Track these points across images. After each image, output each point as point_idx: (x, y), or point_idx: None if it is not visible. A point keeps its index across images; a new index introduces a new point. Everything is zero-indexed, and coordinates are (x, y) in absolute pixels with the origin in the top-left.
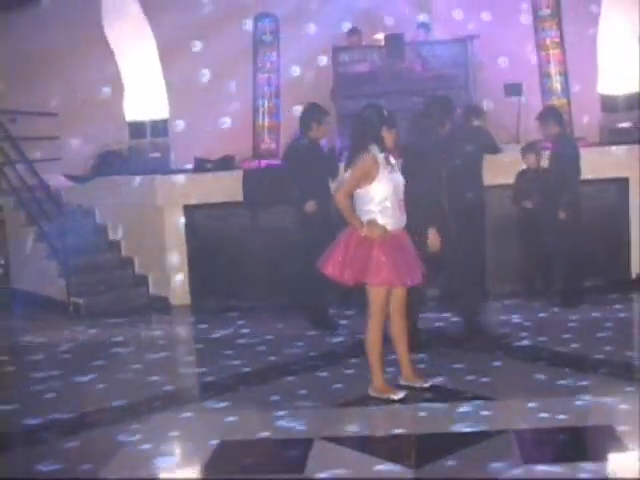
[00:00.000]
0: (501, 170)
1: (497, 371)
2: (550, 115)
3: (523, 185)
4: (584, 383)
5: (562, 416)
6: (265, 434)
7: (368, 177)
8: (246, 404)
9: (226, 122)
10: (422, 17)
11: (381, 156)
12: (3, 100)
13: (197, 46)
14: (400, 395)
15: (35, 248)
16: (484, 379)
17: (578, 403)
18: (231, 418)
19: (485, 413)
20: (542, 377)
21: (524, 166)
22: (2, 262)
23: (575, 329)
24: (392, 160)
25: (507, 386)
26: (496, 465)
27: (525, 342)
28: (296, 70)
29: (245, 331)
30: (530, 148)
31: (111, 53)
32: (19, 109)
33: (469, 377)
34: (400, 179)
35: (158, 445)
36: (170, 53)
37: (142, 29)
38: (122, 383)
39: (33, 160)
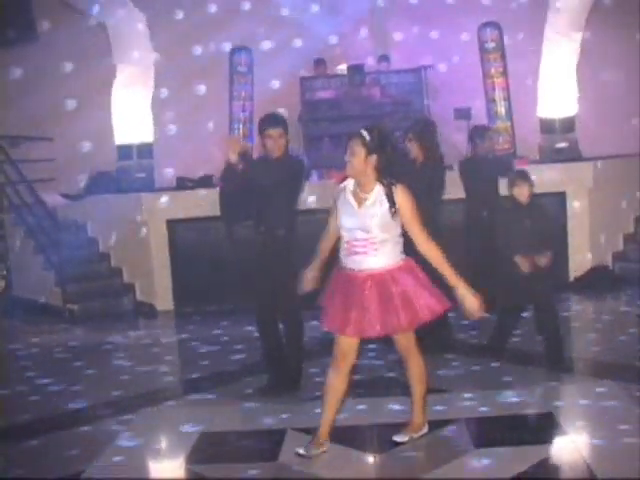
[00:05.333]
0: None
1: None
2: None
3: (516, 232)
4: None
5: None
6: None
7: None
8: (224, 399)
9: (205, 144)
10: (382, 50)
11: (344, 191)
12: (5, 126)
13: (180, 77)
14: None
15: (34, 260)
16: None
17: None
18: (211, 411)
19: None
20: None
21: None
22: (4, 272)
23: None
24: (366, 196)
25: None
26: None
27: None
28: (268, 96)
29: (224, 332)
30: (524, 177)
31: (102, 83)
32: (19, 134)
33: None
34: (362, 220)
35: (144, 437)
36: (157, 83)
37: (139, 64)
38: (111, 380)
39: (31, 180)
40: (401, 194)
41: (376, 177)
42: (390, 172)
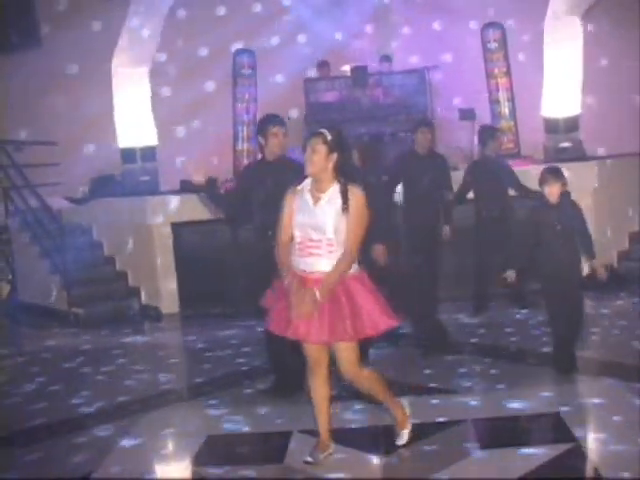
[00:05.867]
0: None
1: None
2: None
3: (551, 237)
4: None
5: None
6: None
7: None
8: (230, 401)
9: (209, 147)
10: (385, 51)
11: (302, 191)
12: (9, 131)
13: (184, 79)
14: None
15: (39, 264)
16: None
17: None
18: (217, 414)
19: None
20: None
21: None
22: (10, 277)
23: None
24: (322, 195)
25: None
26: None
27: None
28: (272, 98)
29: (229, 334)
30: (555, 174)
31: (105, 87)
32: (24, 139)
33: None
34: (318, 219)
35: (150, 440)
36: (160, 86)
37: (141, 67)
38: (117, 383)
39: (36, 185)
40: (356, 194)
41: (334, 176)
42: (345, 173)
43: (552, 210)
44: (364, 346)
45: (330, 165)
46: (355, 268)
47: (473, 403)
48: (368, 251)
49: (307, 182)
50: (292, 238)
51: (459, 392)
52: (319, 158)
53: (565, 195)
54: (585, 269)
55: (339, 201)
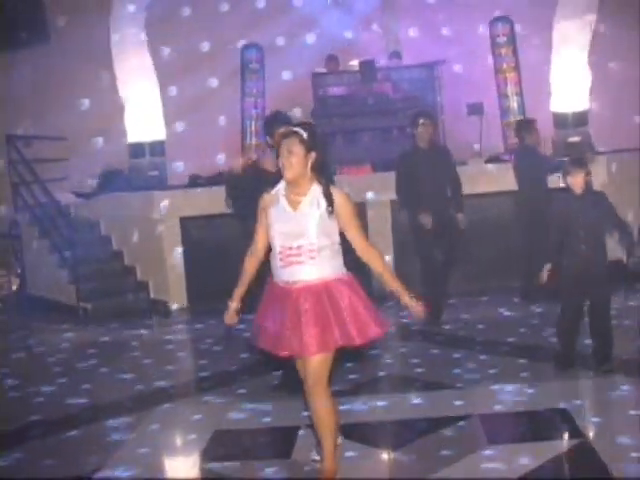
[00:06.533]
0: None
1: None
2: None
3: (573, 228)
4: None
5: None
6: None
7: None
8: (238, 396)
9: (217, 142)
10: (394, 46)
11: (277, 197)
12: (18, 126)
13: (191, 74)
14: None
15: (47, 258)
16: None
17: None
18: (224, 409)
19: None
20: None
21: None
22: (19, 271)
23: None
24: (301, 199)
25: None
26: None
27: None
28: (281, 93)
29: (238, 329)
30: (579, 164)
31: (113, 82)
32: (32, 135)
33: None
34: (301, 225)
35: (157, 435)
36: (168, 81)
37: (144, 59)
38: (125, 378)
39: (45, 180)
40: (339, 194)
41: (313, 177)
42: (324, 172)
43: (576, 201)
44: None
45: (308, 166)
46: (342, 270)
47: (480, 398)
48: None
49: (280, 187)
50: (265, 249)
51: (466, 386)
52: (297, 160)
53: (591, 187)
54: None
55: (323, 203)
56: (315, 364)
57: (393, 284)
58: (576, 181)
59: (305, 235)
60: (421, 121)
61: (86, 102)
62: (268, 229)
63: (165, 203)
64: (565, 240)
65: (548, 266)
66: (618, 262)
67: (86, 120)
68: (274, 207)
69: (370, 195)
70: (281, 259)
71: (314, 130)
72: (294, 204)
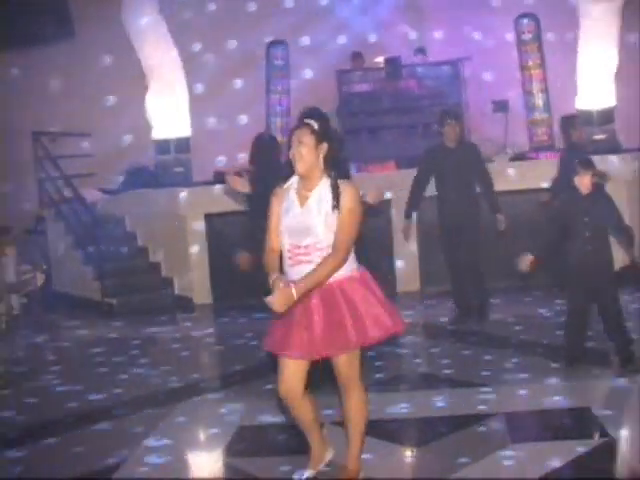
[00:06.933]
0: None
1: None
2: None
3: (579, 228)
4: None
5: None
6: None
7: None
8: (262, 392)
9: (242, 138)
10: (419, 42)
11: (289, 191)
12: (43, 123)
13: (217, 72)
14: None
15: (73, 254)
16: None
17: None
18: (248, 405)
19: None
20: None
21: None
22: (44, 267)
23: None
24: (309, 194)
25: None
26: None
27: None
28: (305, 90)
29: (262, 325)
30: (586, 165)
31: (139, 78)
32: (58, 131)
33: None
34: (307, 222)
35: (180, 431)
36: (193, 78)
37: (171, 56)
38: (148, 373)
39: (71, 176)
40: (348, 190)
41: (324, 170)
42: (339, 166)
43: (582, 201)
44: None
45: (320, 158)
46: (354, 266)
47: (505, 397)
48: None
49: (293, 180)
50: (279, 245)
51: (490, 385)
52: (308, 151)
53: (599, 188)
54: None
55: (330, 198)
56: (342, 364)
57: (302, 283)
58: (583, 181)
59: (312, 233)
60: (448, 121)
61: (112, 98)
62: (278, 225)
63: (190, 200)
64: (570, 240)
65: (530, 257)
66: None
67: (112, 116)
68: (285, 202)
69: (394, 192)
70: (290, 257)
71: (326, 121)
72: (303, 199)
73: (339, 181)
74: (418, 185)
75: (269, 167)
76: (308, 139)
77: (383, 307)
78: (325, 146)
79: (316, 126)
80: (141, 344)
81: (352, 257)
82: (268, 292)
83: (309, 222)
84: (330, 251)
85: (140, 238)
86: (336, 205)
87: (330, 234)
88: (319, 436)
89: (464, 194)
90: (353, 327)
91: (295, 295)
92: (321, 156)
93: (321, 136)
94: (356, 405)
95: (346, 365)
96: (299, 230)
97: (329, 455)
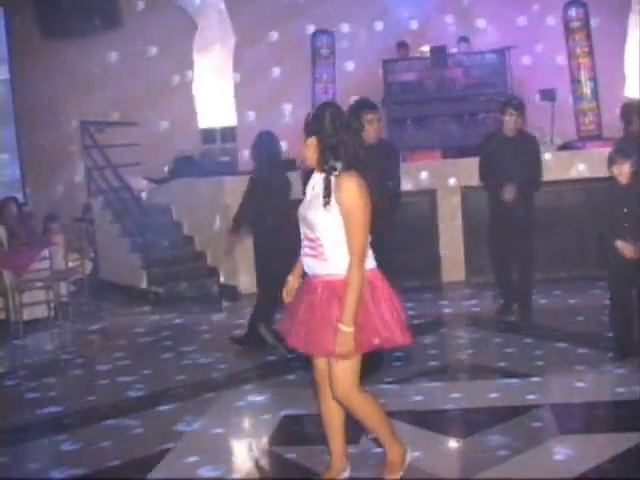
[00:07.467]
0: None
1: None
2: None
3: (618, 219)
4: None
5: None
6: None
7: None
8: (306, 382)
9: (288, 127)
10: (464, 31)
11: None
12: (91, 112)
13: (263, 61)
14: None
15: (120, 243)
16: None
17: None
18: (292, 394)
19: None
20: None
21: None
22: (92, 255)
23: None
24: (316, 183)
25: None
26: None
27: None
28: (351, 79)
29: None
30: (623, 153)
31: (186, 68)
32: (106, 120)
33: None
34: (308, 213)
35: (225, 420)
36: (240, 67)
37: (217, 46)
38: (193, 362)
39: (118, 165)
40: (345, 187)
41: (319, 163)
42: (345, 157)
43: (621, 191)
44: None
45: (315, 152)
46: (366, 267)
47: (553, 387)
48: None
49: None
50: None
51: (538, 375)
52: (303, 148)
53: (638, 177)
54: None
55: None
56: (336, 367)
57: (346, 311)
58: (621, 170)
59: (310, 226)
60: (509, 110)
61: (158, 87)
62: None
63: (236, 189)
64: (610, 231)
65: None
66: None
67: (158, 106)
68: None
69: (440, 181)
70: (302, 247)
71: (316, 113)
72: (309, 190)
73: (341, 174)
74: (485, 169)
75: (266, 162)
76: (303, 136)
77: (390, 315)
78: (312, 140)
79: (309, 119)
80: (185, 332)
81: (314, 262)
82: None
83: (305, 214)
84: (338, 252)
85: (186, 227)
86: (327, 202)
87: (333, 233)
88: (340, 449)
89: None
90: (332, 335)
91: (347, 330)
92: (314, 150)
93: (307, 131)
94: (362, 410)
95: (342, 366)
96: (302, 220)
97: (345, 474)
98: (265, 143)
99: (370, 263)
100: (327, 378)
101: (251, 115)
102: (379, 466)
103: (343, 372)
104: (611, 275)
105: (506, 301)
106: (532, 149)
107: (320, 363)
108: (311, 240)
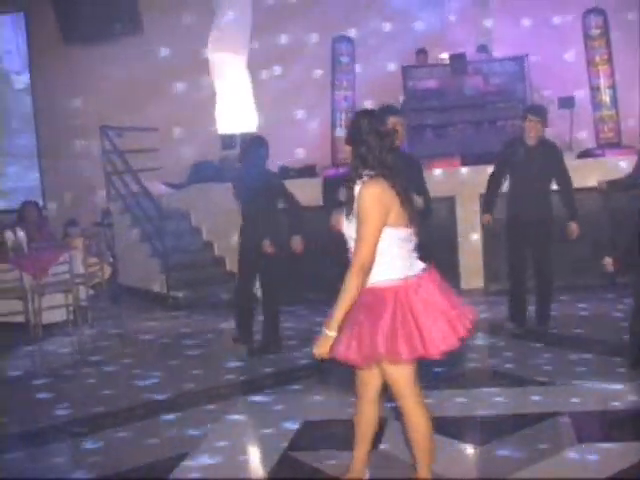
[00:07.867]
0: None
1: None
2: None
3: None
4: None
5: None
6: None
7: None
8: (325, 387)
9: (308, 134)
10: (483, 38)
11: None
12: (111, 118)
13: (282, 67)
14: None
15: (139, 248)
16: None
17: None
18: (311, 400)
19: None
20: None
21: None
22: (111, 260)
23: None
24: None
25: None
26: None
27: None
28: (370, 85)
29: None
30: None
31: (205, 74)
32: (125, 126)
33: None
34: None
35: (245, 424)
36: (259, 73)
37: (238, 54)
38: (211, 367)
39: (137, 170)
40: (363, 192)
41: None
42: (379, 163)
43: None
44: None
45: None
46: (390, 277)
47: (571, 395)
48: None
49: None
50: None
51: (555, 382)
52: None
53: None
54: None
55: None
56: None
57: (334, 317)
58: None
59: (346, 240)
60: (530, 117)
61: (178, 93)
62: None
63: None
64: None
65: (608, 260)
66: None
67: (178, 111)
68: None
69: (459, 188)
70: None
71: (351, 123)
72: None
73: (366, 182)
74: (495, 180)
75: (252, 165)
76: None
77: (436, 322)
78: (348, 150)
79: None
80: (206, 336)
81: (384, 266)
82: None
83: (344, 225)
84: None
85: (205, 233)
86: (350, 211)
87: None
88: (364, 456)
89: (538, 193)
90: (385, 337)
91: (329, 332)
92: (353, 159)
93: (346, 140)
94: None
95: (390, 374)
96: (344, 231)
97: (365, 477)
98: (252, 147)
99: (393, 273)
100: (368, 385)
101: (270, 121)
102: (395, 467)
103: (396, 376)
104: (637, 284)
105: (515, 310)
106: (556, 158)
107: (363, 370)
108: (351, 253)
